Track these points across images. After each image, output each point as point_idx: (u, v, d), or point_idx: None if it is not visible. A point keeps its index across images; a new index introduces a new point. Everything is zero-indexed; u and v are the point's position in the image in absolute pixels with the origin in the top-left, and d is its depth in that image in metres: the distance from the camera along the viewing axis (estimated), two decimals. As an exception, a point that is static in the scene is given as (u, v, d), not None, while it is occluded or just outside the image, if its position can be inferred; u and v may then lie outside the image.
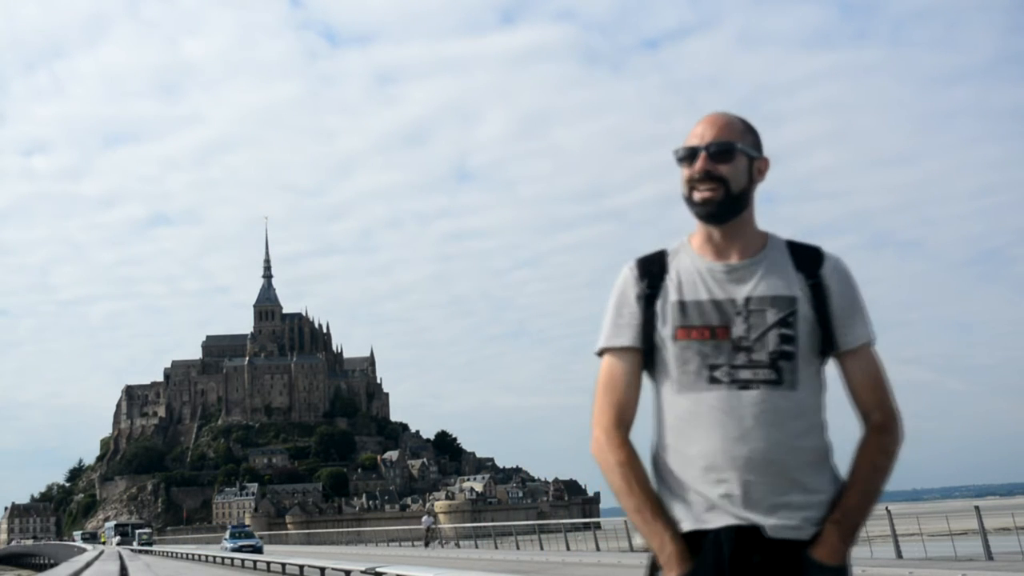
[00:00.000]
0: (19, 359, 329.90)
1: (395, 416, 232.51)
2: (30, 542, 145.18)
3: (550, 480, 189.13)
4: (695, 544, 2.13)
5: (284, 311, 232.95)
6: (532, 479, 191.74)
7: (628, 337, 2.24)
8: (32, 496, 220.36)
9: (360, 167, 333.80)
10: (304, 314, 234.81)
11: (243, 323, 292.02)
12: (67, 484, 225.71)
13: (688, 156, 2.22)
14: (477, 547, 38.70)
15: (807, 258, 2.23)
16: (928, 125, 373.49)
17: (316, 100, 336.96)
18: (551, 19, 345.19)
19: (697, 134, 2.23)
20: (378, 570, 17.26)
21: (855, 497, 2.17)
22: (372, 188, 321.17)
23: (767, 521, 2.10)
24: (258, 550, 42.71)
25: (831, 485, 2.18)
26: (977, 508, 17.99)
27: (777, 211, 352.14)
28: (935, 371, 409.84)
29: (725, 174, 2.19)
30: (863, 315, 2.23)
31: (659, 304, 2.21)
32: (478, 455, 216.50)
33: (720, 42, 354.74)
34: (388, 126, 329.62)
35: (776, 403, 2.12)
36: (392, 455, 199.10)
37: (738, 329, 2.15)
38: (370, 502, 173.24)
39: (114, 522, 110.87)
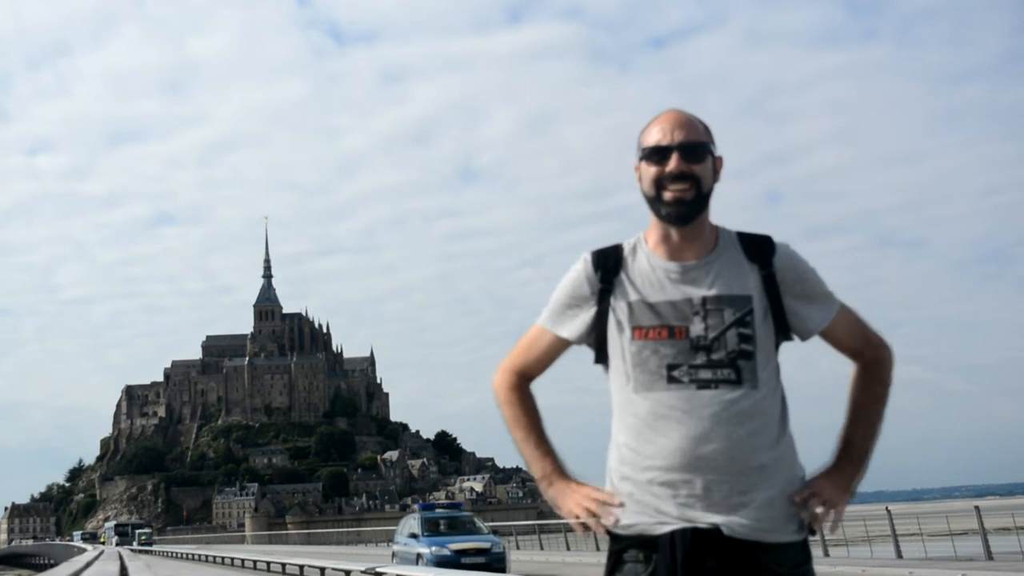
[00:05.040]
0: (21, 359, 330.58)
1: (395, 416, 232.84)
2: (30, 542, 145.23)
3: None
4: (651, 546, 2.14)
5: (284, 311, 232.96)
6: (532, 479, 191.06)
7: (569, 330, 2.29)
8: (32, 496, 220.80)
9: (364, 166, 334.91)
10: (304, 314, 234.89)
11: (245, 323, 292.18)
12: (67, 484, 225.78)
13: (655, 154, 2.20)
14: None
15: (759, 249, 2.23)
16: (935, 124, 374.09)
17: (321, 99, 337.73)
18: (558, 17, 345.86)
19: (664, 131, 2.21)
20: (378, 570, 17.25)
21: (857, 426, 2.25)
22: (376, 187, 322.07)
23: (726, 520, 2.10)
24: (496, 564, 18.86)
25: (793, 483, 2.19)
26: (977, 508, 18.00)
27: (782, 210, 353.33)
28: (938, 371, 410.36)
29: (698, 173, 2.18)
30: (824, 295, 2.26)
31: (613, 301, 2.22)
32: (478, 455, 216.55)
33: (727, 40, 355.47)
34: (393, 125, 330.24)
35: (737, 402, 2.13)
36: (392, 455, 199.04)
37: (696, 329, 2.15)
38: (370, 502, 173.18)
39: (114, 522, 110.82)
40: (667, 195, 2.18)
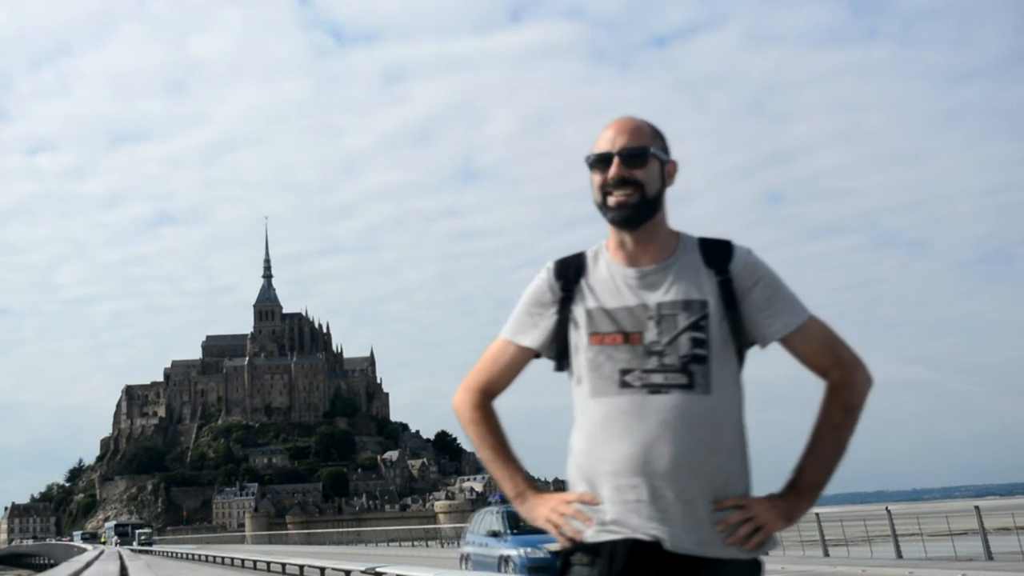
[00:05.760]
0: (22, 359, 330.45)
1: (395, 416, 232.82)
2: (30, 542, 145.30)
3: (550, 480, 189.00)
4: (596, 551, 2.13)
5: (284, 311, 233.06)
6: (532, 479, 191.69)
7: (532, 339, 2.29)
8: (32, 496, 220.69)
9: (366, 166, 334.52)
10: (304, 314, 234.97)
11: (245, 323, 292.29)
12: (67, 484, 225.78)
13: (600, 162, 2.22)
14: (477, 547, 38.59)
15: (717, 254, 2.21)
16: (937, 124, 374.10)
17: (323, 98, 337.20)
18: (560, 17, 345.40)
19: (608, 139, 2.22)
20: (378, 570, 17.26)
21: (811, 454, 2.17)
22: (377, 187, 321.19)
23: (669, 532, 2.07)
24: None
25: (744, 493, 2.15)
26: (977, 508, 18.04)
27: (783, 210, 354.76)
28: (938, 370, 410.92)
29: (640, 178, 2.19)
30: (786, 301, 2.20)
31: (574, 308, 2.23)
32: (478, 455, 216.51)
33: (728, 40, 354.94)
34: (394, 125, 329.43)
35: (688, 407, 2.10)
36: (392, 455, 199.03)
37: (650, 334, 2.14)
38: (370, 502, 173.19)
39: (114, 522, 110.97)
40: (611, 200, 2.20)
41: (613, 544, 2.10)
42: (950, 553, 19.00)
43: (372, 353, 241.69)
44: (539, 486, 2.28)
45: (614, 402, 2.14)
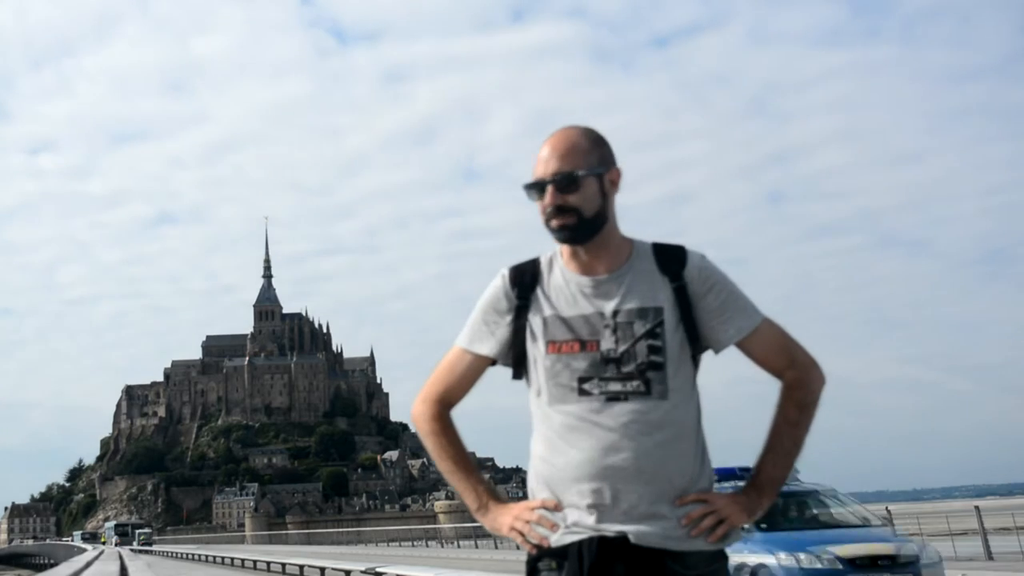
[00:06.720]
0: (23, 359, 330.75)
1: (395, 416, 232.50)
2: (30, 542, 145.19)
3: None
4: (563, 555, 2.15)
5: (284, 311, 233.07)
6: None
7: (488, 347, 2.28)
8: (32, 496, 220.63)
9: (367, 165, 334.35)
10: (304, 314, 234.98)
11: (245, 323, 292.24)
12: (67, 484, 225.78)
13: (536, 187, 2.22)
14: (477, 547, 38.72)
15: (671, 260, 2.22)
16: (937, 124, 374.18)
17: (324, 98, 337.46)
18: (561, 17, 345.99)
19: (542, 160, 2.21)
20: (378, 570, 17.28)
21: (769, 452, 2.23)
22: (379, 187, 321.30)
23: (633, 529, 2.11)
24: None
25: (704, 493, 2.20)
26: (977, 508, 18.06)
27: (785, 209, 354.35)
28: (939, 370, 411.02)
29: (574, 204, 2.18)
30: (740, 306, 2.22)
31: (530, 316, 2.23)
32: (478, 455, 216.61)
33: (730, 40, 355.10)
34: (396, 124, 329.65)
35: (646, 413, 2.13)
36: (392, 455, 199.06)
37: (607, 342, 2.16)
38: (370, 502, 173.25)
39: (114, 522, 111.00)
40: (553, 224, 2.21)
41: (580, 544, 2.12)
42: (950, 553, 18.98)
43: (372, 353, 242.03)
44: (500, 497, 2.28)
45: (573, 410, 2.16)
